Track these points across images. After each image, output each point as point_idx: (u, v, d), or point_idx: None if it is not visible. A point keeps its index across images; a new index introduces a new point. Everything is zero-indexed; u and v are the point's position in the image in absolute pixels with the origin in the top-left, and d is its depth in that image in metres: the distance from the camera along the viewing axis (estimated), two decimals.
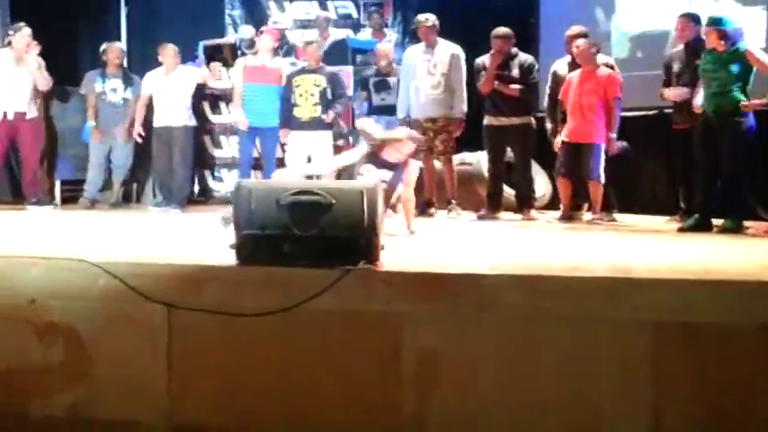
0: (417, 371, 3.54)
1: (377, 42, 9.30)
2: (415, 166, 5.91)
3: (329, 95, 7.93)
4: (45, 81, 8.17)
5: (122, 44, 10.41)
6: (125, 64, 10.06)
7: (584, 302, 3.45)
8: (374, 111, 8.15)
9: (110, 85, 8.43)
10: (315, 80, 7.93)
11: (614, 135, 7.04)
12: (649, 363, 3.40)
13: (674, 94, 6.96)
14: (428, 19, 7.69)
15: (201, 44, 9.44)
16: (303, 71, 8.09)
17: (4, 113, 8.03)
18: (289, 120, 7.98)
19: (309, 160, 7.89)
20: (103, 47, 8.63)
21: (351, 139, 8.40)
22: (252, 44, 9.17)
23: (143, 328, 3.64)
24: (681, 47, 7.05)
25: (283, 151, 8.24)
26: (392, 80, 8.07)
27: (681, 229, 6.33)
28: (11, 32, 8.20)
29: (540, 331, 3.49)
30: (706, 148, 6.25)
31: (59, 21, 9.93)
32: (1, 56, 8.17)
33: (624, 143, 7.21)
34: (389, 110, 8.01)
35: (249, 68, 8.22)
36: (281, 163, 8.51)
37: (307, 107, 7.91)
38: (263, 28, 8.76)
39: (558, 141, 7.31)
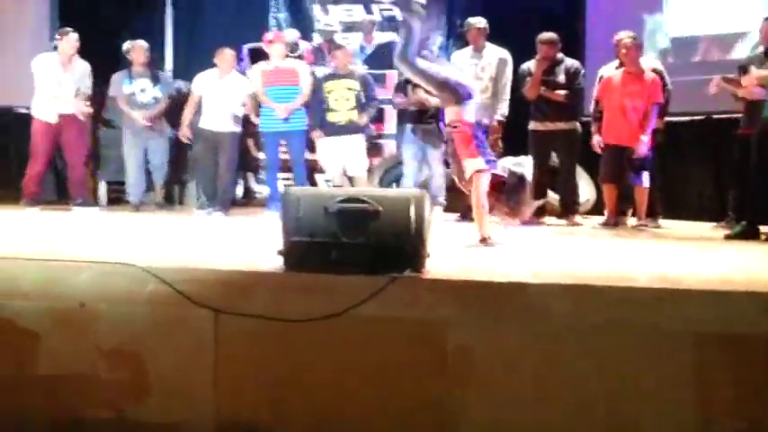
0: (461, 378, 3.53)
1: None
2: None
3: (362, 99, 7.96)
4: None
5: (168, 44, 10.59)
6: (169, 64, 10.22)
7: (629, 313, 3.43)
8: (406, 117, 8.12)
9: (138, 86, 8.45)
10: (349, 84, 7.96)
11: (645, 138, 6.95)
12: (694, 375, 3.36)
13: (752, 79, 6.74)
14: (480, 21, 7.67)
15: (246, 48, 9.50)
16: (334, 76, 8.10)
17: (52, 116, 8.16)
18: (322, 122, 8.02)
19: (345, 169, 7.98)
20: (126, 46, 8.64)
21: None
22: (294, 48, 9.22)
23: (190, 332, 3.67)
24: (761, 50, 6.95)
25: (311, 151, 8.28)
26: None
27: (728, 237, 6.25)
28: (58, 37, 8.31)
29: (584, 340, 3.46)
30: (762, 156, 6.16)
31: (106, 23, 10.09)
32: (49, 59, 8.27)
33: (648, 153, 7.08)
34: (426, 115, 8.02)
35: (266, 73, 8.20)
36: (312, 165, 8.58)
37: (343, 111, 7.95)
38: (272, 36, 8.67)
39: (597, 141, 7.27)
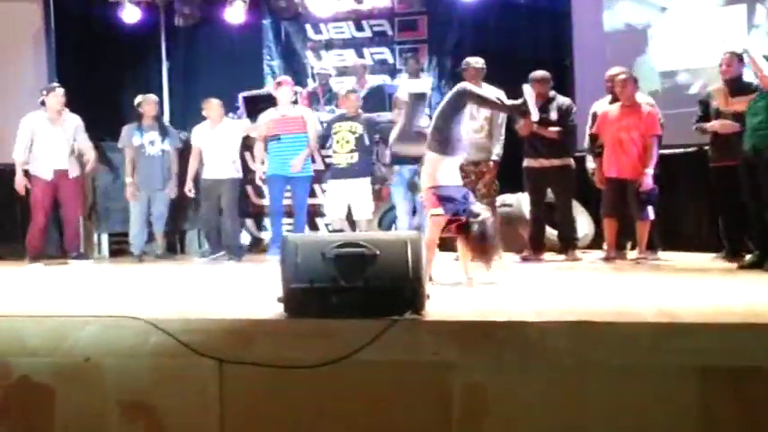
0: (466, 420, 3.55)
1: None
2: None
3: (366, 142, 8.01)
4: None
5: (164, 95, 10.69)
6: (166, 115, 10.32)
7: (632, 349, 3.45)
8: (397, 159, 8.17)
9: (148, 138, 8.55)
10: (351, 127, 8.03)
11: (650, 171, 7.02)
12: (699, 409, 3.37)
13: (719, 125, 6.92)
14: (478, 61, 7.73)
15: (241, 96, 9.59)
16: (342, 118, 8.19)
17: (48, 173, 8.24)
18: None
19: (349, 208, 8.02)
20: (138, 99, 8.73)
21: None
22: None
23: (195, 383, 3.70)
24: (721, 84, 7.02)
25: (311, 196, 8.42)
26: None
27: (741, 267, 6.29)
28: (44, 93, 8.39)
29: (587, 378, 3.49)
30: (750, 187, 6.24)
31: (103, 76, 10.21)
32: (37, 117, 8.33)
33: (655, 186, 7.16)
34: (412, 157, 8.06)
35: (272, 121, 8.31)
36: (313, 209, 8.64)
37: (342, 154, 8.02)
38: (280, 79, 8.84)
39: (598, 176, 7.32)
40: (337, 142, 8.06)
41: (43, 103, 8.35)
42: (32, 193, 8.26)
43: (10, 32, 9.83)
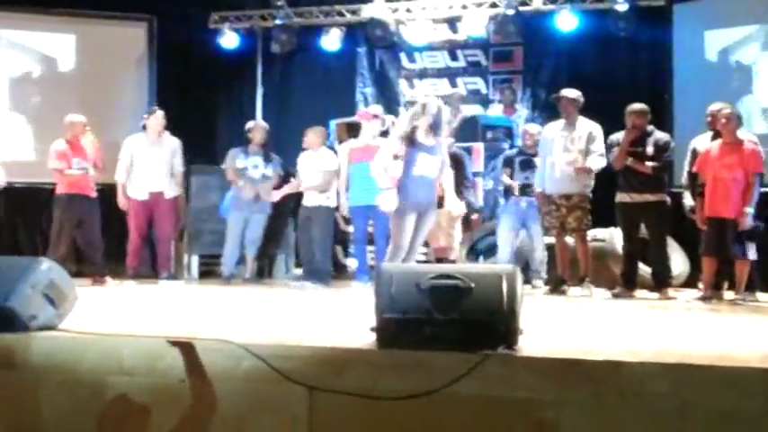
0: None
1: (507, 118, 9.36)
2: None
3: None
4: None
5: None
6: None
7: (738, 394, 3.30)
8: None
9: (252, 162, 8.77)
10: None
11: (750, 210, 6.81)
12: None
13: None
14: (572, 92, 7.65)
15: (333, 122, 9.67)
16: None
17: (143, 194, 8.45)
18: None
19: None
20: (250, 125, 8.99)
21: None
22: (382, 122, 9.35)
23: (285, 409, 3.68)
24: None
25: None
26: (537, 160, 8.02)
27: None
28: (146, 116, 8.67)
29: (688, 423, 3.35)
30: None
31: (200, 100, 10.45)
32: (138, 139, 8.61)
33: (759, 223, 6.94)
34: (531, 188, 7.98)
35: (354, 150, 8.39)
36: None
37: None
38: (375, 111, 8.85)
39: (700, 216, 7.13)
40: None
41: (145, 127, 8.59)
42: (128, 213, 8.48)
43: (116, 56, 10.20)
